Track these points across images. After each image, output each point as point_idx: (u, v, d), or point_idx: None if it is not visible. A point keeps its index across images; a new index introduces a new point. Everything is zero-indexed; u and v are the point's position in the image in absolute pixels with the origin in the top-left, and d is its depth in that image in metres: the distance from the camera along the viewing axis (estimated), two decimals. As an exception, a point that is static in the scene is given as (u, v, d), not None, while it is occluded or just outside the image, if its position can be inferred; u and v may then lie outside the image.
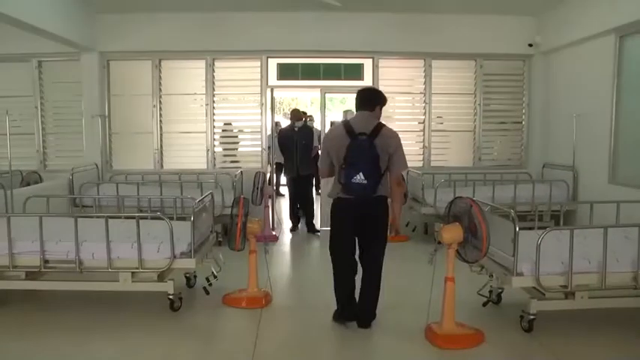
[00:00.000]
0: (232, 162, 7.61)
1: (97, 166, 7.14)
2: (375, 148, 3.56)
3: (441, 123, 7.63)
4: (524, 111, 7.65)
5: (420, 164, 7.48)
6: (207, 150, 7.39)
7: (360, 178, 3.51)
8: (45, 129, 7.47)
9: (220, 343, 3.87)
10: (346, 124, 3.70)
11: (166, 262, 4.07)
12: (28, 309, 4.37)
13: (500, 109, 7.69)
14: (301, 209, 7.55)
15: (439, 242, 3.76)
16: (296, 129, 7.32)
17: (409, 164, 5.66)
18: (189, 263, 4.16)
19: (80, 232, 4.09)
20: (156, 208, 6.09)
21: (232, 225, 4.36)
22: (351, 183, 3.53)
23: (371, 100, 3.84)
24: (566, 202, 6.53)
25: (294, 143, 7.24)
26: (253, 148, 7.66)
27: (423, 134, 7.52)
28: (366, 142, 3.57)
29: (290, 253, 6.74)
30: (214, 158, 7.43)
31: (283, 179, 10.39)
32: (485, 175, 7.20)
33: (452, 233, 3.73)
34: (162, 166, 7.39)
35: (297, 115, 7.50)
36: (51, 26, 5.93)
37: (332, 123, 9.01)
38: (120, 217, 4.63)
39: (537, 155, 7.53)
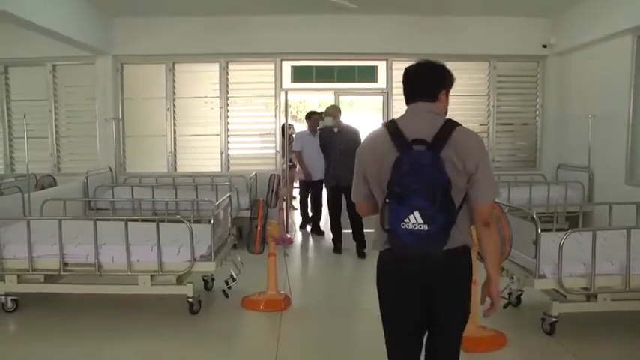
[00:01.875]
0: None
1: (110, 169, 7.16)
2: (443, 167, 1.97)
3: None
4: (537, 112, 7.62)
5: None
6: (222, 153, 7.40)
7: (415, 221, 1.93)
8: (59, 132, 7.49)
9: (241, 347, 3.88)
10: (391, 126, 2.12)
11: (186, 265, 4.08)
12: (45, 312, 4.37)
13: (514, 110, 7.66)
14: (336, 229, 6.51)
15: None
16: (335, 130, 6.25)
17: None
18: (209, 266, 4.18)
19: (99, 235, 4.10)
20: (172, 211, 6.11)
21: (251, 228, 4.36)
22: (399, 230, 1.96)
23: (433, 81, 2.20)
24: (585, 204, 6.49)
25: (334, 147, 6.23)
26: (267, 150, 7.65)
27: (437, 136, 7.47)
28: (427, 157, 1.99)
29: (305, 256, 6.74)
30: (228, 161, 7.43)
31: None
32: (500, 176, 7.15)
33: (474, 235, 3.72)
34: (175, 169, 7.40)
35: (332, 112, 6.39)
36: (65, 29, 5.93)
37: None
38: (138, 220, 4.63)
39: (551, 156, 7.48)
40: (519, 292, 4.41)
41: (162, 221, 4.25)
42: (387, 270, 2.20)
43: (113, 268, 4.19)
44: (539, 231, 3.67)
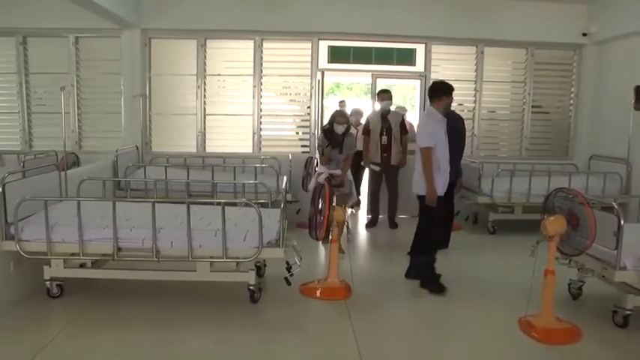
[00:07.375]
0: None
1: (137, 147, 6.86)
2: None
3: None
4: (572, 101, 7.53)
5: (469, 153, 7.31)
6: (254, 133, 7.13)
7: None
8: (80, 108, 7.13)
9: (317, 337, 3.71)
10: None
11: (254, 252, 3.88)
12: (91, 299, 4.16)
13: (548, 99, 7.54)
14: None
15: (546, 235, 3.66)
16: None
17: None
18: (277, 253, 3.97)
19: (147, 218, 3.85)
20: (206, 193, 5.89)
21: (315, 213, 4.19)
22: None
23: None
24: (624, 196, 6.46)
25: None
26: (293, 132, 7.43)
27: (473, 123, 7.36)
28: None
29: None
30: (260, 142, 7.18)
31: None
32: (533, 165, 7.05)
33: (556, 225, 3.67)
34: (205, 149, 7.13)
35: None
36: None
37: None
38: (203, 204, 4.36)
39: (584, 146, 7.41)
40: (581, 284, 4.35)
41: (230, 204, 4.02)
42: None
43: (172, 254, 3.97)
44: (622, 222, 3.59)
